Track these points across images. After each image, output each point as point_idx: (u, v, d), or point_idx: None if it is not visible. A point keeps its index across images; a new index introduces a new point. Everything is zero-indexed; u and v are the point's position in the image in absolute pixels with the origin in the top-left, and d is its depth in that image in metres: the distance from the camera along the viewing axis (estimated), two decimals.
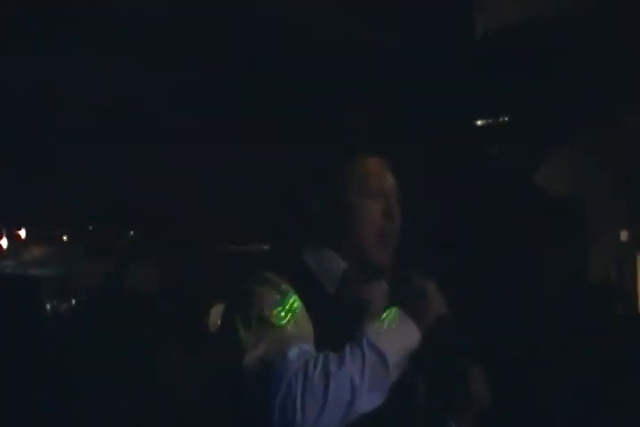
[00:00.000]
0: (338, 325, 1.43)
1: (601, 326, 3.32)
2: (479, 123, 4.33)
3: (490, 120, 4.31)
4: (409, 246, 1.61)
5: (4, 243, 9.91)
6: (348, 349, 1.35)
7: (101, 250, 8.89)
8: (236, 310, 1.44)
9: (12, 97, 4.38)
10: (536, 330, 3.63)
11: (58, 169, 5.80)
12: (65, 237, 9.57)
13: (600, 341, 3.22)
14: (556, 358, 3.35)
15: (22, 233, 9.79)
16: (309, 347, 1.37)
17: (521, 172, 4.41)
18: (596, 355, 3.18)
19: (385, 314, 1.44)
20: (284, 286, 1.46)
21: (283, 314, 1.41)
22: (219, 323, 1.59)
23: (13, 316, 4.55)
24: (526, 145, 4.44)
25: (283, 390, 1.27)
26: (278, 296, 1.44)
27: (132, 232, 8.70)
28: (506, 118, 4.26)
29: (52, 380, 3.47)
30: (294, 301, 1.44)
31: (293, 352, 1.32)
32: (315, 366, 1.30)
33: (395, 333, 1.41)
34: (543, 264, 4.20)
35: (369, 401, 1.33)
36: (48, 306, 7.40)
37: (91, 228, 8.67)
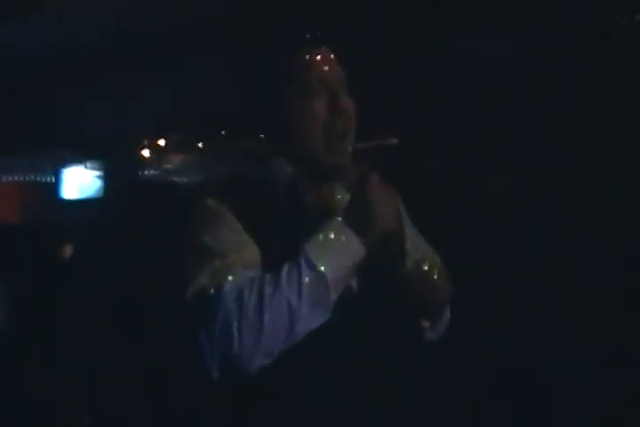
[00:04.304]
0: (286, 240, 1.33)
1: None
2: None
3: None
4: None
5: (146, 152, 10.37)
6: (285, 268, 1.29)
7: (235, 156, 9.05)
8: (178, 241, 1.42)
9: None
10: None
11: (190, 79, 5.82)
12: (200, 145, 9.84)
13: None
14: None
15: (161, 142, 10.18)
16: (252, 272, 1.31)
17: None
18: None
19: (327, 225, 1.33)
20: (224, 209, 1.38)
21: (222, 240, 1.34)
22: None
23: (155, 220, 4.65)
24: None
25: (219, 324, 1.25)
26: (217, 221, 1.36)
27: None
28: None
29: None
30: (234, 223, 1.36)
31: (230, 284, 1.28)
32: (250, 293, 1.26)
33: (336, 247, 1.30)
34: None
35: (310, 321, 1.28)
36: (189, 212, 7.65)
37: (223, 133, 8.81)
